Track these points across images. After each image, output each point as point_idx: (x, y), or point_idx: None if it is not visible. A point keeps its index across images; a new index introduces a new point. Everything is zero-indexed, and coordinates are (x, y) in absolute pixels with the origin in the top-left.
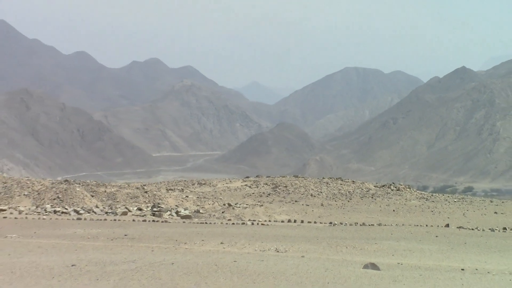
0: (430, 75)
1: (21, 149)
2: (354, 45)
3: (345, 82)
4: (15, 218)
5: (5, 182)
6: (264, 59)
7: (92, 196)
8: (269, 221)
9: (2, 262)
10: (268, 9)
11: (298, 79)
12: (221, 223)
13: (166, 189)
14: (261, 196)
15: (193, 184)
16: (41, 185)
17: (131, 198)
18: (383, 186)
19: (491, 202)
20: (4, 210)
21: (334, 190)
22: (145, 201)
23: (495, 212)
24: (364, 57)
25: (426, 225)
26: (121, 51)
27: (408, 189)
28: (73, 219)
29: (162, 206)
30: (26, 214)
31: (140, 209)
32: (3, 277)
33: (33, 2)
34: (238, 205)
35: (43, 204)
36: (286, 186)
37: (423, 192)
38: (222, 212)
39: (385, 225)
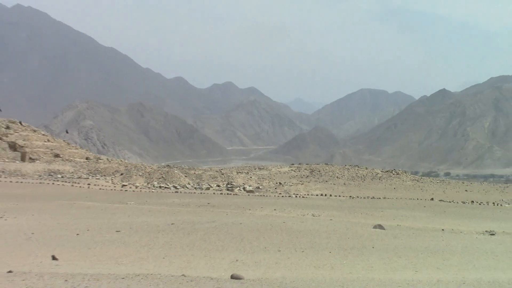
0: (420, 94)
1: (137, 144)
2: (367, 72)
3: (361, 99)
4: (133, 191)
5: (126, 166)
6: (304, 81)
7: (185, 176)
8: (307, 195)
9: (124, 221)
10: (304, 43)
11: (328, 96)
12: (274, 196)
13: (236, 172)
14: (301, 177)
15: (255, 169)
16: (151, 168)
17: (212, 178)
18: (387, 171)
19: (463, 183)
20: (126, 185)
21: (352, 174)
22: (222, 180)
23: (466, 190)
24: (374, 80)
25: (417, 199)
26: (205, 76)
27: (404, 173)
28: (172, 192)
29: (234, 183)
30: (140, 188)
31: (218, 186)
32: (124, 231)
33: (147, 39)
34: (286, 184)
35: (152, 181)
36: (319, 171)
37: (415, 176)
38: (275, 188)
39: (388, 198)
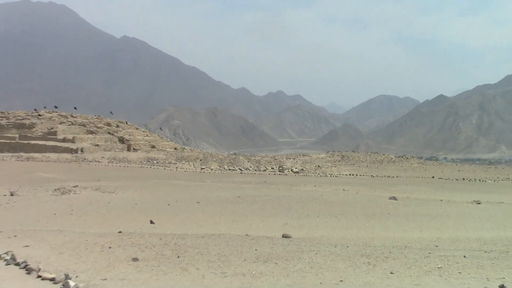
0: (424, 98)
1: (212, 137)
2: (384, 80)
3: (379, 102)
4: (209, 172)
5: (204, 154)
6: (337, 88)
7: (248, 161)
8: (339, 174)
9: (202, 195)
10: (339, 61)
11: (355, 100)
12: (314, 175)
13: (286, 158)
14: (334, 161)
15: (300, 156)
16: (222, 156)
17: (267, 163)
18: (399, 157)
19: (456, 165)
20: (203, 168)
21: (373, 159)
22: (275, 164)
23: (458, 170)
24: (389, 87)
25: (422, 177)
26: (262, 85)
27: (412, 158)
28: (238, 173)
29: (284, 166)
30: (215, 170)
31: (272, 168)
32: (203, 202)
33: (218, 58)
34: (323, 166)
35: (223, 165)
36: (348, 157)
37: (420, 160)
38: (315, 170)
39: (400, 177)
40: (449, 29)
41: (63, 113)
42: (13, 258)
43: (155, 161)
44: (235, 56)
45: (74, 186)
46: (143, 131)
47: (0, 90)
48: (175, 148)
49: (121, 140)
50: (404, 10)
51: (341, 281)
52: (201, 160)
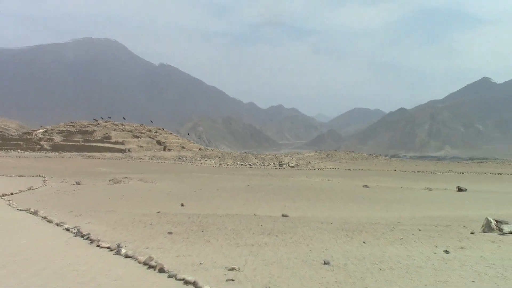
0: (389, 110)
1: (227, 140)
2: (360, 97)
3: (355, 113)
4: (225, 167)
5: (221, 153)
6: (323, 102)
7: (255, 158)
8: (325, 168)
9: (220, 184)
10: (323, 75)
11: (337, 111)
12: (306, 169)
13: (284, 156)
14: (321, 158)
15: (295, 154)
16: (236, 154)
17: (270, 159)
18: (370, 155)
19: (413, 161)
20: (221, 164)
21: (350, 156)
22: (276, 160)
23: (415, 165)
24: (362, 101)
25: (387, 170)
26: (266, 100)
27: (380, 156)
28: (247, 167)
29: (282, 162)
30: (230, 165)
31: (274, 164)
32: (220, 190)
33: (235, 76)
34: (312, 162)
35: (236, 161)
36: (332, 155)
37: (386, 157)
38: (306, 165)
39: (371, 170)
40: (409, 57)
41: (115, 122)
42: (79, 231)
43: (184, 158)
44: (247, 78)
45: (123, 178)
46: (175, 136)
47: (70, 105)
48: (199, 149)
49: (159, 142)
50: (376, 43)
51: (326, 249)
52: (219, 157)
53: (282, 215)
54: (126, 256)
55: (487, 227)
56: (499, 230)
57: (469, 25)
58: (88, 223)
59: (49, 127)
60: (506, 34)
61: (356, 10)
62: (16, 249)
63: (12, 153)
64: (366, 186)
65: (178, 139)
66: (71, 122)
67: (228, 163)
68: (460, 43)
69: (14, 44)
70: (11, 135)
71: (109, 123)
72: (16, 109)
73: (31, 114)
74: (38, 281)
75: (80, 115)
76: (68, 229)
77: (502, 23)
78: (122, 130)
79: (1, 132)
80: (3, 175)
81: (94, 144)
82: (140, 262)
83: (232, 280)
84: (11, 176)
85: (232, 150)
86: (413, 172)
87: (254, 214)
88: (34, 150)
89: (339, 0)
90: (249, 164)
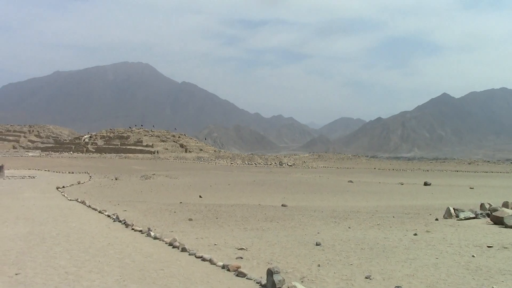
0: (369, 119)
1: (237, 144)
2: (345, 107)
3: (341, 122)
4: (235, 166)
5: (232, 155)
6: (316, 112)
7: (260, 159)
8: (317, 167)
9: (231, 180)
10: (314, 91)
11: (326, 120)
12: (301, 167)
13: (283, 156)
14: (314, 159)
15: (292, 155)
16: (244, 155)
17: (272, 159)
18: (354, 155)
19: (388, 160)
20: (232, 163)
21: (338, 157)
22: (277, 160)
23: (390, 164)
24: (348, 111)
25: (367, 168)
26: (267, 111)
27: (362, 157)
28: (254, 166)
29: (282, 162)
30: (239, 165)
31: (275, 163)
32: (231, 184)
33: (244, 91)
34: (306, 162)
35: (244, 161)
36: (322, 156)
37: (367, 158)
38: (302, 164)
39: (354, 168)
40: (383, 77)
41: (146, 129)
42: (117, 217)
43: (202, 159)
44: (253, 93)
45: (153, 174)
46: (195, 140)
47: (110, 116)
48: (214, 151)
49: (181, 145)
50: (355, 65)
51: (318, 233)
52: (230, 158)
53: (282, 205)
54: (155, 238)
55: (448, 214)
56: (457, 217)
57: (431, 51)
58: (124, 211)
59: (94, 133)
60: (462, 58)
61: (340, 39)
62: (69, 231)
63: (65, 154)
64: (351, 181)
65: (197, 143)
66: (111, 129)
67: (238, 163)
68: (424, 65)
69: (67, 68)
70: (64, 140)
71: (141, 130)
72: (69, 119)
73: (80, 123)
74: (86, 256)
75: (118, 124)
76: (108, 216)
77: (459, 48)
78: (152, 136)
79: (57, 137)
80: (58, 172)
81: (129, 147)
82: (166, 243)
83: (241, 258)
84: (64, 172)
85: (241, 152)
86: (389, 169)
87: (259, 204)
88: (81, 152)
89: (326, 31)
90: (255, 164)
